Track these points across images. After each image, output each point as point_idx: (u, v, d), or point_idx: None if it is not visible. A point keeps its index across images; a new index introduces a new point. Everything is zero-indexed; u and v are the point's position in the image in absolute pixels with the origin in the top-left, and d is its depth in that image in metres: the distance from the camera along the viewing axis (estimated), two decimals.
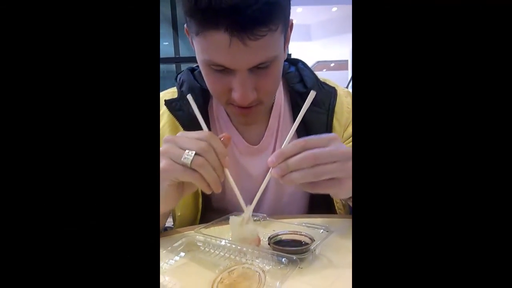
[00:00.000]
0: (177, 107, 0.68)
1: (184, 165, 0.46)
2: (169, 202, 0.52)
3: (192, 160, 0.45)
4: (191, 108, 0.67)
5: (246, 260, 0.44)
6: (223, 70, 0.54)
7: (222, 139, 0.49)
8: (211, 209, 0.73)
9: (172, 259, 0.47)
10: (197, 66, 0.75)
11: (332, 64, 8.05)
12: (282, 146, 0.46)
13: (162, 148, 0.48)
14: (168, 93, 0.74)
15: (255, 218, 0.60)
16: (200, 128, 0.67)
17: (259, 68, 0.54)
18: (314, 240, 0.47)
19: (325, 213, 0.66)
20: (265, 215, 0.60)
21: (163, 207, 0.52)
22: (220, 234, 0.55)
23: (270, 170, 0.45)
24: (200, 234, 0.52)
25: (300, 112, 0.47)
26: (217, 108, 0.71)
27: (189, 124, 0.66)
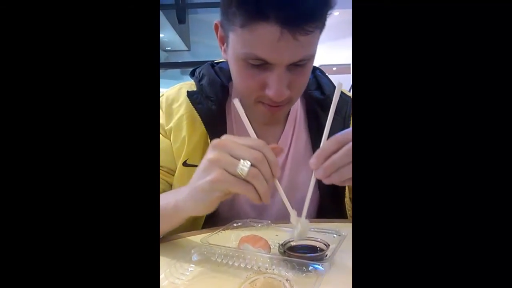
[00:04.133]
0: (198, 100, 0.66)
1: (238, 176, 0.43)
2: (206, 211, 0.48)
3: (248, 172, 0.42)
4: (210, 103, 0.65)
5: (266, 269, 0.42)
6: (260, 66, 0.53)
7: (273, 148, 0.46)
8: (216, 214, 0.70)
9: (184, 273, 0.44)
10: (216, 63, 0.74)
11: (335, 68, 8.19)
12: (321, 145, 0.44)
13: (212, 155, 0.44)
14: (186, 85, 0.71)
15: (259, 225, 0.58)
16: (218, 127, 0.65)
17: (296, 66, 0.54)
18: (329, 245, 0.46)
19: (335, 217, 0.66)
20: (269, 221, 0.59)
21: (196, 213, 0.49)
22: (227, 242, 0.52)
23: (313, 173, 0.44)
24: (207, 244, 0.49)
25: (331, 107, 0.45)
26: (234, 106, 0.69)
27: (209, 119, 0.65)
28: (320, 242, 0.47)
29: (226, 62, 0.71)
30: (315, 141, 0.70)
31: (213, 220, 0.68)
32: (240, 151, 0.43)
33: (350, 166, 0.41)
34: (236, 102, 0.47)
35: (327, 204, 0.70)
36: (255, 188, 0.43)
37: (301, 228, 0.46)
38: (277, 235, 0.56)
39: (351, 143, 0.41)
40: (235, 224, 0.58)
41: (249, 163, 0.42)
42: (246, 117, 0.47)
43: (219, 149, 0.44)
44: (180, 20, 2.08)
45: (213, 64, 0.73)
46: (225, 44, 0.59)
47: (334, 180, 0.42)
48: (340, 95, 0.72)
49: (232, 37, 0.54)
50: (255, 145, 0.44)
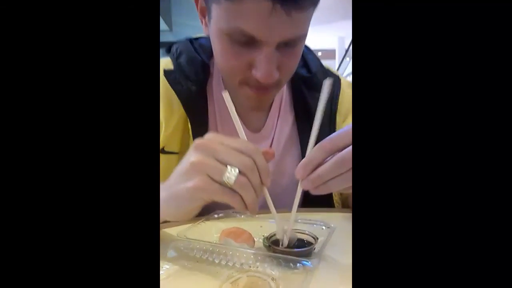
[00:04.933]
0: (176, 80, 0.60)
1: (224, 184, 0.37)
2: (185, 218, 0.43)
3: (235, 180, 0.37)
4: (190, 83, 0.58)
5: (249, 266, 0.38)
6: (247, 43, 0.47)
7: (265, 153, 0.40)
8: None
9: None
10: (195, 38, 0.67)
11: (320, 53, 8.11)
12: (307, 152, 0.39)
13: (195, 157, 0.39)
14: (161, 63, 0.64)
15: (242, 216, 0.54)
16: (199, 110, 0.59)
17: (286, 45, 0.48)
18: (318, 239, 0.43)
19: (322, 207, 0.63)
20: None
21: (173, 220, 0.45)
22: (207, 235, 0.48)
23: (300, 183, 0.39)
24: (184, 238, 0.45)
25: (319, 104, 0.40)
26: (217, 88, 0.63)
27: (188, 101, 0.59)
28: (307, 235, 0.44)
29: (206, 38, 0.64)
30: (301, 124, 0.65)
31: None
32: (227, 156, 0.38)
33: (339, 178, 0.37)
34: (226, 95, 0.40)
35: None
36: (242, 197, 0.38)
37: (287, 242, 0.43)
38: (261, 227, 0.52)
39: (340, 154, 0.36)
40: (216, 216, 0.54)
41: (237, 170, 0.37)
42: (236, 116, 0.41)
43: (203, 151, 0.39)
44: None
45: (191, 40, 0.66)
46: (206, 17, 0.53)
47: (322, 192, 0.38)
48: (328, 74, 0.68)
49: (215, 10, 0.48)
50: (244, 150, 0.38)
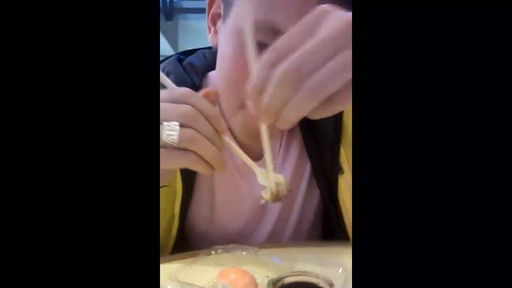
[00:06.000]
0: None
1: (167, 146, 0.32)
2: None
3: (179, 136, 0.31)
4: None
5: None
6: (264, 47, 0.40)
7: (206, 95, 0.35)
8: (190, 232, 0.58)
9: None
10: (185, 55, 0.59)
11: None
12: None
13: None
14: None
15: (244, 252, 0.47)
16: None
17: None
18: (333, 285, 0.36)
19: (332, 239, 0.55)
20: (256, 247, 0.48)
21: None
22: (203, 276, 0.42)
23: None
24: (176, 280, 0.38)
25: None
26: None
27: None
28: (321, 279, 0.37)
29: (196, 57, 0.58)
30: (309, 143, 0.55)
31: (186, 241, 0.57)
32: (161, 111, 0.32)
33: (294, 102, 0.26)
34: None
35: (335, 223, 0.56)
36: (199, 156, 0.33)
37: (274, 186, 0.37)
38: (266, 264, 0.45)
39: (281, 65, 0.26)
40: (213, 252, 0.47)
41: (177, 124, 0.32)
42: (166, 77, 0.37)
43: None
44: (167, 16, 1.97)
45: (180, 58, 0.58)
46: (218, 22, 0.47)
47: (284, 125, 0.28)
48: None
49: (240, 3, 0.41)
50: (177, 97, 0.33)
